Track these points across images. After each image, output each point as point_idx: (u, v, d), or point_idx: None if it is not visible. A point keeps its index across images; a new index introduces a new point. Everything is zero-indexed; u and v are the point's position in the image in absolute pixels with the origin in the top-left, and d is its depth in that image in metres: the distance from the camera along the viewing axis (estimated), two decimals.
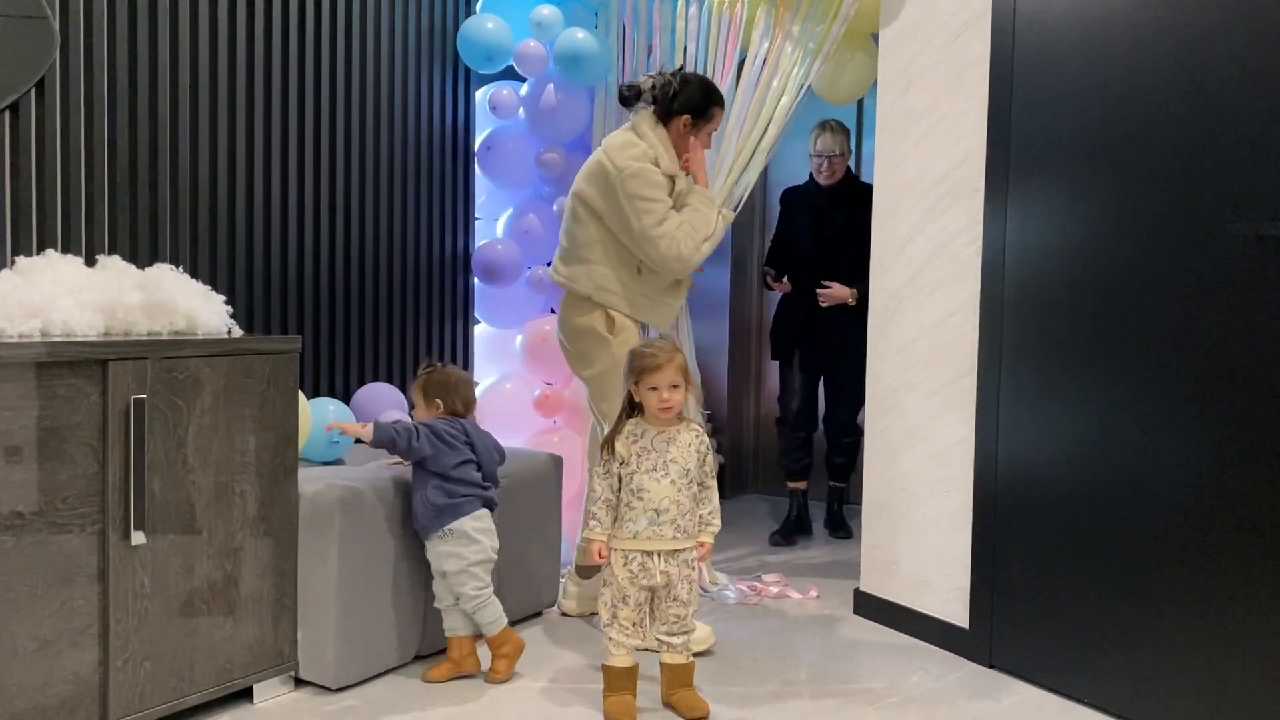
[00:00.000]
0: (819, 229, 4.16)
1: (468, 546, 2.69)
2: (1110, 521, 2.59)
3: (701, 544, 2.59)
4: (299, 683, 2.68)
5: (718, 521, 2.62)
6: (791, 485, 4.41)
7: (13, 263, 2.49)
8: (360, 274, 3.50)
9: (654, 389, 2.53)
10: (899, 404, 3.23)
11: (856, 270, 3.73)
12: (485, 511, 2.76)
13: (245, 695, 2.56)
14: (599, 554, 2.57)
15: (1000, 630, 2.90)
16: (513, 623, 3.18)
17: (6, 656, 2.07)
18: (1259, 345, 2.28)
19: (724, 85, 3.54)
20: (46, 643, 2.14)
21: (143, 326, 2.47)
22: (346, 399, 3.38)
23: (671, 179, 3.08)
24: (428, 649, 2.87)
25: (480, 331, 4.02)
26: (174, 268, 2.65)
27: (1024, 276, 2.81)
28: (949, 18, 3.06)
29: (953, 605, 3.06)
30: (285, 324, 3.25)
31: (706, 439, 2.61)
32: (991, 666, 2.92)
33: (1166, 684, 2.47)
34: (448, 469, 2.69)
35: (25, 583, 2.09)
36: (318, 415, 3.00)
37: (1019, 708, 2.64)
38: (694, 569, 2.59)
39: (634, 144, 3.06)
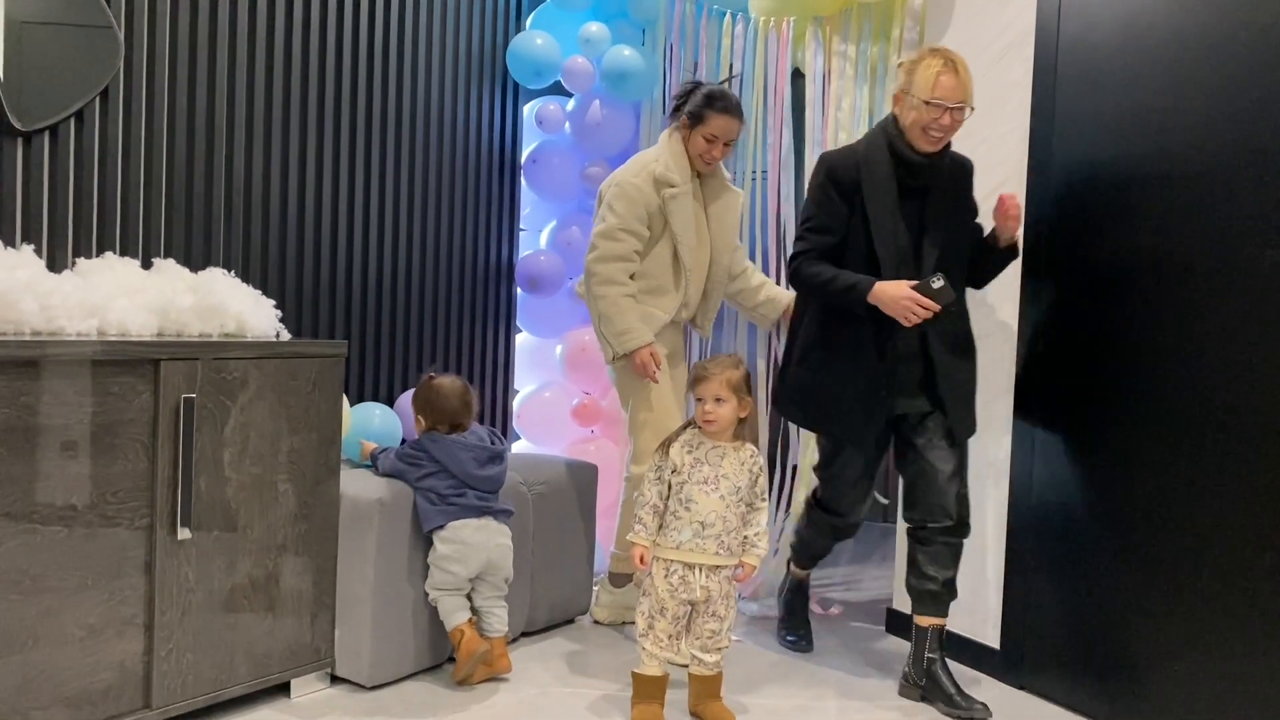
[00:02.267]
0: (920, 221, 2.80)
1: (434, 552, 2.77)
2: (1143, 547, 2.58)
3: (743, 564, 2.61)
4: (334, 679, 2.74)
5: (764, 545, 2.62)
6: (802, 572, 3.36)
7: (74, 264, 2.59)
8: (406, 282, 3.57)
9: (700, 400, 2.57)
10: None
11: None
12: (464, 525, 2.77)
13: (283, 690, 2.63)
14: (640, 559, 2.59)
15: (1030, 653, 2.89)
16: (544, 629, 3.25)
17: (57, 643, 2.15)
18: None
19: (779, 100, 3.59)
20: (95, 631, 2.21)
21: (194, 328, 2.55)
22: (390, 403, 3.45)
23: (670, 186, 3.19)
24: None
25: (521, 340, 4.08)
26: (226, 272, 2.74)
27: (1062, 300, 2.82)
28: (993, 39, 3.07)
29: (985, 626, 3.05)
30: (333, 329, 3.33)
31: (761, 460, 2.63)
32: (1021, 689, 2.91)
33: (1196, 711, 2.45)
34: (415, 481, 2.79)
35: (76, 573, 2.17)
36: (364, 419, 3.08)
37: None
38: (733, 587, 2.61)
39: (644, 156, 3.29)
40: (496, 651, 2.83)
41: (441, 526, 2.75)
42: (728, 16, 3.70)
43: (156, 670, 2.32)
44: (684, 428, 2.64)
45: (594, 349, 3.88)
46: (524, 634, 3.19)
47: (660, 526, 2.60)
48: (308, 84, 3.20)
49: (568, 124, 3.86)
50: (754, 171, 3.70)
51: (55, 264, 2.60)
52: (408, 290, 3.58)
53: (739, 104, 3.20)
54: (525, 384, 4.08)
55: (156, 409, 2.29)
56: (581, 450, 3.91)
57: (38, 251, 2.53)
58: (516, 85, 3.91)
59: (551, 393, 3.96)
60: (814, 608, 3.45)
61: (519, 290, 3.97)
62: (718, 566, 2.55)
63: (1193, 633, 2.46)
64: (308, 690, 2.66)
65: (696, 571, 2.54)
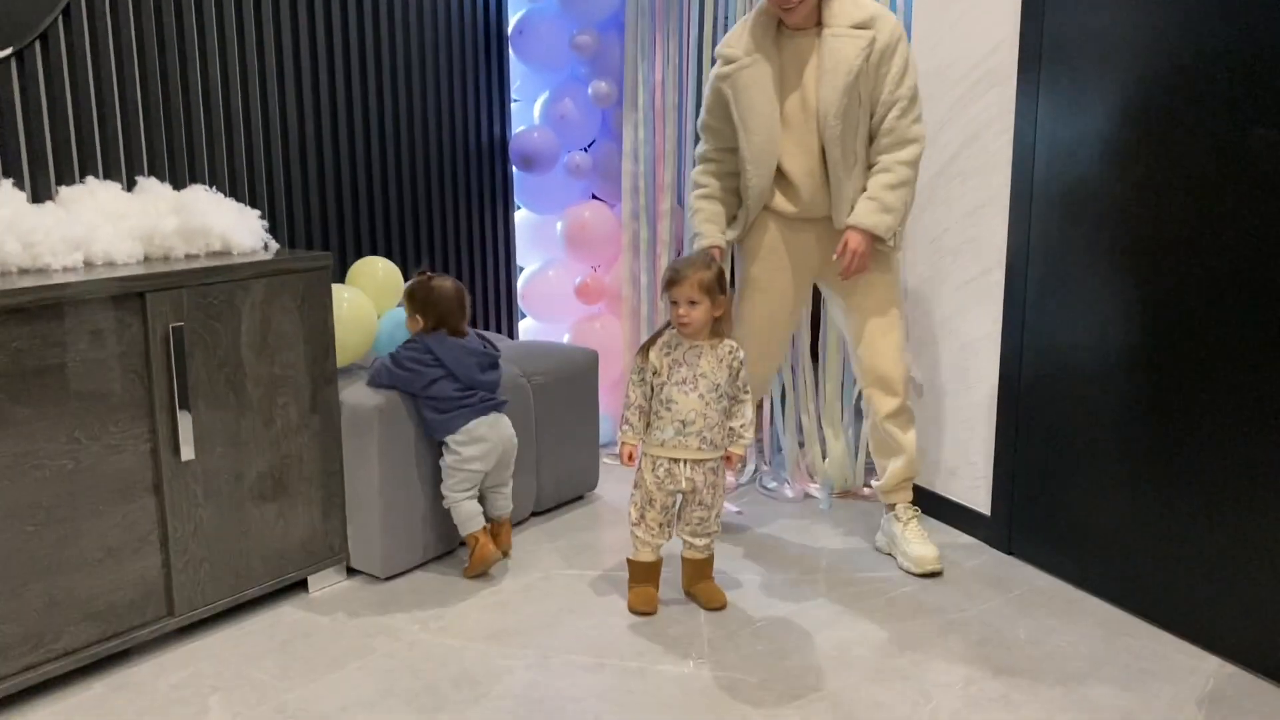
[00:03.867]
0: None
1: (456, 455, 2.84)
2: (1127, 416, 2.61)
3: (730, 453, 2.68)
4: (351, 572, 2.90)
5: (749, 435, 2.68)
6: None
7: (56, 193, 2.61)
8: (396, 168, 3.56)
9: (674, 303, 2.59)
10: (931, 295, 3.23)
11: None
12: (479, 423, 2.85)
13: (301, 586, 2.79)
14: (628, 456, 2.69)
15: (1018, 519, 2.98)
16: (553, 507, 3.39)
17: (78, 565, 2.30)
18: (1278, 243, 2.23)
19: None
20: (112, 551, 2.35)
21: (180, 250, 2.59)
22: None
23: (727, 63, 2.83)
24: None
25: (521, 218, 4.07)
26: (209, 188, 2.76)
27: (1051, 171, 2.76)
28: None
29: (976, 493, 3.13)
30: (325, 225, 3.34)
31: (740, 354, 2.67)
32: (1010, 554, 3.01)
33: (1173, 577, 2.54)
34: (420, 390, 2.82)
35: (88, 500, 2.30)
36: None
37: (1027, 598, 2.74)
38: (720, 476, 2.69)
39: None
40: (500, 530, 2.99)
41: (455, 430, 2.84)
42: None
43: (175, 581, 2.47)
44: (662, 329, 2.67)
45: (594, 225, 3.88)
46: (533, 513, 3.33)
47: (647, 425, 2.67)
48: None
49: None
50: None
51: (39, 194, 2.63)
52: (398, 176, 3.57)
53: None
54: (529, 262, 4.10)
55: (147, 340, 2.36)
56: (587, 328, 3.96)
57: (18, 184, 2.56)
58: None
59: (555, 271, 3.98)
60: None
61: (514, 168, 3.94)
62: (701, 460, 2.63)
63: (1174, 502, 2.52)
64: (326, 584, 2.83)
65: (681, 465, 2.62)
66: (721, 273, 2.63)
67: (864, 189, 2.81)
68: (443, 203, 3.74)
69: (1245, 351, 2.31)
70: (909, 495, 3.02)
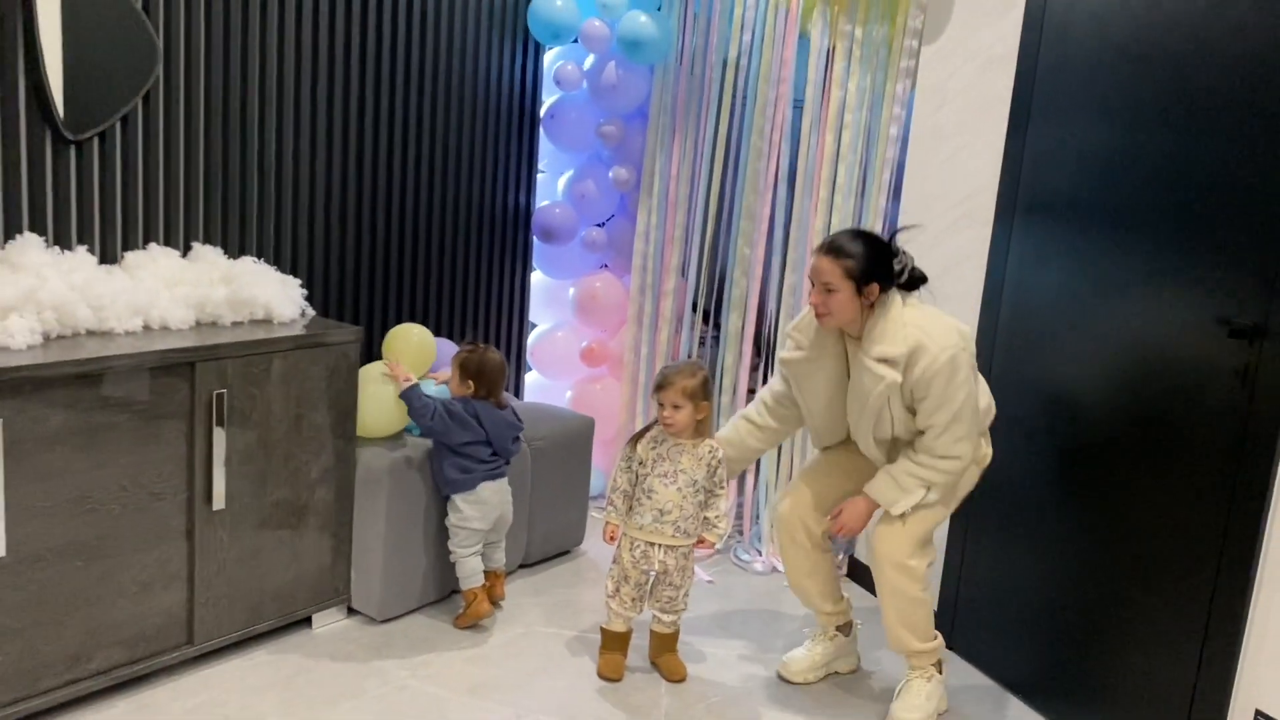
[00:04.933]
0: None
1: (460, 514, 3.14)
2: (1078, 543, 2.90)
3: (702, 539, 2.97)
4: (351, 612, 3.21)
5: (723, 525, 2.98)
6: None
7: (122, 258, 2.93)
8: (428, 228, 3.86)
9: (661, 405, 2.89)
10: None
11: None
12: (485, 486, 3.15)
13: (306, 623, 3.10)
14: (610, 535, 2.99)
15: (963, 615, 3.26)
16: (539, 560, 3.69)
17: (115, 596, 2.60)
18: None
19: (787, 72, 3.74)
20: (145, 586, 2.66)
21: (227, 318, 2.90)
22: None
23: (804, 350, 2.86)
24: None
25: (536, 279, 4.38)
26: (256, 259, 3.08)
27: (1014, 312, 3.04)
28: (983, 49, 3.19)
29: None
30: (358, 283, 3.64)
31: (719, 454, 2.94)
32: (950, 648, 3.29)
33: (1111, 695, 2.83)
34: (457, 445, 3.10)
35: (129, 541, 2.60)
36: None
37: (959, 693, 3.03)
38: (690, 561, 2.99)
39: None
40: (496, 582, 3.30)
41: (471, 489, 3.14)
42: None
43: (197, 614, 2.78)
44: (651, 424, 2.97)
45: (604, 296, 4.19)
46: (521, 566, 3.64)
47: (629, 509, 2.97)
48: (334, 59, 3.42)
49: (584, 82, 4.03)
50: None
51: (106, 257, 2.94)
52: (428, 239, 3.88)
53: (830, 242, 2.70)
54: (541, 319, 4.40)
55: (193, 402, 2.67)
56: (589, 389, 4.26)
57: (90, 249, 2.88)
58: (538, 42, 4.07)
59: (563, 333, 4.28)
60: None
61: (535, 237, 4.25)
62: (674, 545, 2.92)
63: (1111, 617, 2.80)
64: (328, 622, 3.13)
65: (656, 549, 2.92)
66: (707, 380, 2.92)
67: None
68: (466, 263, 4.05)
69: (1151, 483, 2.60)
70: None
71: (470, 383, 3.15)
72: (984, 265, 3.18)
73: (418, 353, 3.34)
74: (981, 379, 2.84)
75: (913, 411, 2.69)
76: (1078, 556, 2.85)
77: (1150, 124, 2.63)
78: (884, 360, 2.63)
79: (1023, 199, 3.03)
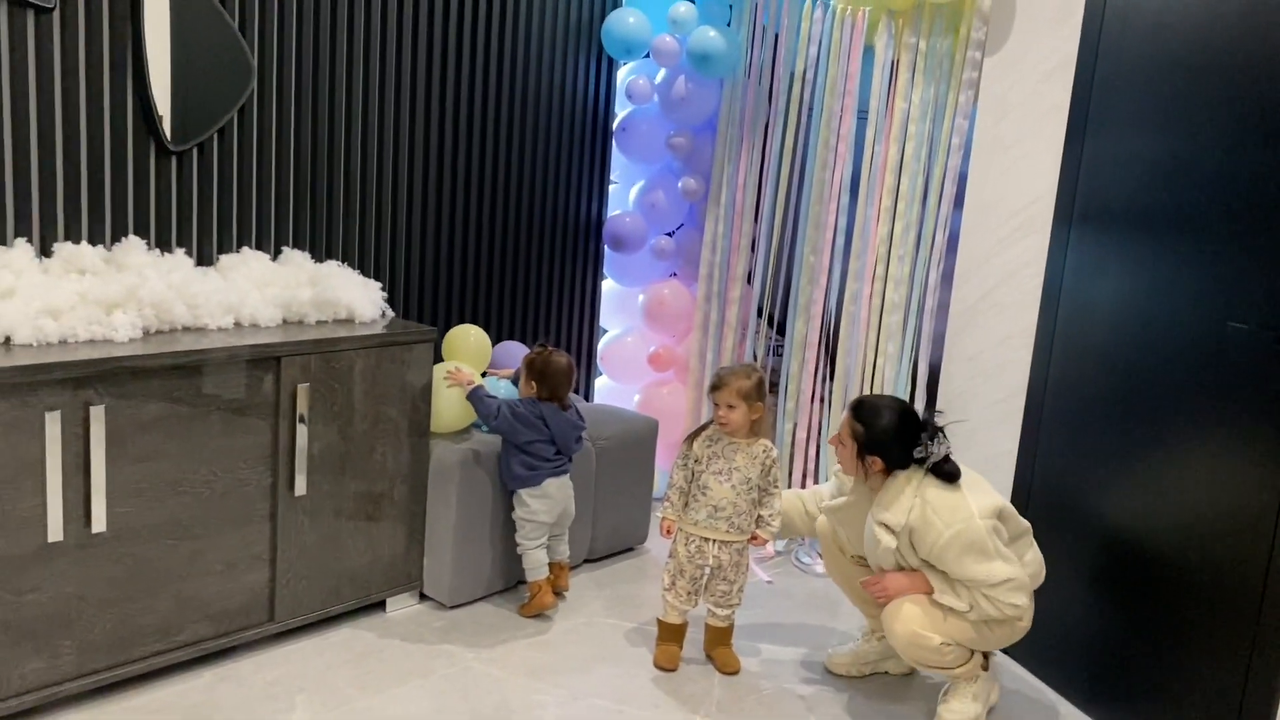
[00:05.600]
0: None
1: (526, 508, 3.28)
2: (1125, 544, 2.92)
3: (755, 536, 3.08)
4: (423, 598, 3.37)
5: (775, 524, 3.08)
6: None
7: (217, 260, 3.15)
8: (504, 238, 4.03)
9: (716, 405, 3.00)
10: (964, 407, 3.56)
11: None
12: (550, 482, 3.28)
13: (380, 606, 3.27)
14: (666, 530, 3.10)
15: None
16: (604, 556, 3.81)
17: (204, 574, 2.80)
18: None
19: (852, 84, 3.83)
20: (231, 565, 2.86)
21: (312, 317, 3.09)
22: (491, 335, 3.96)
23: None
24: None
25: (607, 286, 4.52)
26: (340, 263, 3.27)
27: (1070, 319, 3.08)
28: (1040, 59, 3.24)
29: None
30: (437, 286, 3.83)
31: (773, 454, 3.05)
32: (1005, 651, 3.33)
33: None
34: (522, 443, 3.24)
35: (217, 522, 2.80)
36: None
37: (1007, 699, 3.06)
38: (745, 557, 3.09)
39: None
40: (560, 573, 3.44)
41: (537, 484, 3.28)
42: (809, 1, 3.90)
43: (278, 594, 2.97)
44: (708, 423, 3.08)
45: (671, 303, 4.31)
46: (586, 560, 3.77)
47: (685, 505, 3.07)
48: (416, 76, 3.62)
49: (655, 95, 4.17)
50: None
51: (203, 259, 3.16)
52: (503, 246, 4.04)
53: (860, 401, 2.88)
54: (610, 325, 4.54)
55: (278, 394, 2.86)
56: (656, 393, 4.39)
57: (189, 251, 3.10)
58: (611, 57, 4.22)
59: (633, 338, 4.42)
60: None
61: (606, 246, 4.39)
62: (728, 541, 3.03)
63: (1160, 622, 2.82)
64: (400, 606, 3.30)
65: (711, 544, 3.03)
66: (761, 382, 3.02)
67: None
68: (540, 269, 4.21)
69: (1216, 488, 2.62)
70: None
71: (534, 383, 3.29)
72: (1042, 272, 3.22)
73: (475, 352, 3.51)
74: (1035, 545, 2.85)
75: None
76: (1126, 562, 2.87)
77: (1206, 133, 2.66)
78: (884, 525, 2.76)
79: (1079, 207, 3.06)
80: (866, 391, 3.87)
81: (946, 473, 2.72)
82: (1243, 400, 2.53)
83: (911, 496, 2.71)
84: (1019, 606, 2.67)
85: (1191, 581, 2.68)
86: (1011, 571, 2.66)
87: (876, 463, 2.79)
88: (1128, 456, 2.88)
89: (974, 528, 2.64)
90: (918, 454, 2.73)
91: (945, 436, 2.76)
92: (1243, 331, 2.52)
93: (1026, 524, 2.83)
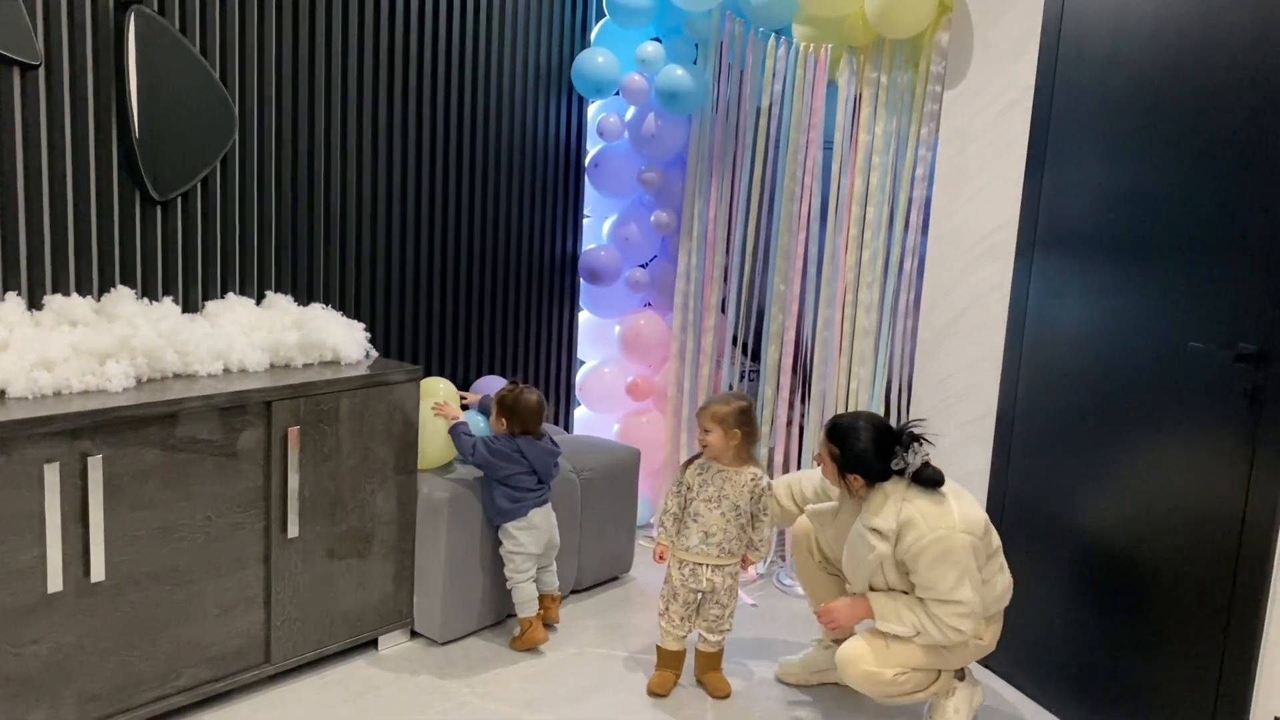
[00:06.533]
0: None
1: (514, 540, 3.34)
2: (1097, 554, 3.03)
3: (745, 558, 3.16)
4: (413, 635, 3.41)
5: (764, 549, 3.18)
6: None
7: (203, 307, 3.19)
8: (481, 273, 4.11)
9: (699, 428, 3.09)
10: (935, 428, 3.65)
11: None
12: (535, 512, 3.35)
13: (372, 644, 3.30)
14: (659, 555, 3.17)
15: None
16: (591, 586, 3.87)
17: (200, 618, 2.83)
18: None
19: (817, 118, 3.94)
20: (227, 609, 2.89)
21: (299, 360, 3.14)
22: (465, 386, 4.03)
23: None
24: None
25: (584, 318, 4.59)
26: (324, 306, 3.32)
27: (1036, 340, 3.20)
28: (1000, 92, 3.37)
29: None
30: (416, 322, 3.89)
31: (763, 482, 3.12)
32: (986, 666, 3.42)
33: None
34: (502, 477, 3.31)
35: (213, 566, 2.83)
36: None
37: (990, 709, 3.15)
38: (736, 582, 3.16)
39: None
40: (551, 605, 3.49)
41: (523, 515, 3.34)
42: (772, 38, 4.02)
43: (273, 635, 3.00)
44: (698, 454, 3.16)
45: (647, 333, 4.39)
46: (573, 591, 3.82)
47: (678, 531, 3.15)
48: (393, 120, 3.69)
49: (626, 132, 4.27)
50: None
51: (189, 306, 3.20)
52: (481, 281, 4.11)
53: (834, 424, 2.96)
54: (588, 356, 4.62)
55: (269, 438, 2.90)
56: (635, 422, 4.46)
57: (175, 299, 3.14)
58: (582, 96, 4.32)
59: (610, 369, 4.49)
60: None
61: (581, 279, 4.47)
62: (720, 565, 3.10)
63: (1133, 632, 2.93)
64: (392, 644, 3.34)
65: (704, 568, 3.10)
66: (742, 410, 3.09)
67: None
68: (518, 304, 4.28)
69: (1191, 502, 2.73)
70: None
71: (504, 420, 3.36)
72: (1007, 296, 3.34)
73: (446, 399, 3.58)
74: (1005, 565, 2.93)
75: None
76: (1099, 574, 2.98)
77: (1160, 163, 2.79)
78: (876, 531, 2.81)
79: (1042, 234, 3.19)
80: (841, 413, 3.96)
81: (928, 478, 2.80)
82: (1204, 414, 2.66)
83: (898, 502, 2.80)
84: (961, 632, 2.73)
85: (1163, 589, 2.79)
86: (969, 596, 2.72)
87: (858, 479, 2.88)
88: (1097, 471, 2.99)
89: (956, 538, 2.72)
90: (895, 465, 2.82)
91: (922, 444, 2.83)
92: (1201, 351, 2.64)
93: (999, 542, 2.93)
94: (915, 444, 2.82)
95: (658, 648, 3.21)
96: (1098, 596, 3.00)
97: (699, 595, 3.15)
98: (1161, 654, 2.80)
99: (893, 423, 3.02)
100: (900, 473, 2.82)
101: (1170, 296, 2.75)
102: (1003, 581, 2.92)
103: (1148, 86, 2.82)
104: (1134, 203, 2.87)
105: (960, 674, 2.97)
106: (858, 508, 2.96)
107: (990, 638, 2.90)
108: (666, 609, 3.17)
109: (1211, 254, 2.65)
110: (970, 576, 2.73)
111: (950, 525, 2.73)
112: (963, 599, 2.71)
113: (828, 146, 4.07)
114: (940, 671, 2.89)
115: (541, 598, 3.46)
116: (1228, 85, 2.60)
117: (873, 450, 2.84)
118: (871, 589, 2.90)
